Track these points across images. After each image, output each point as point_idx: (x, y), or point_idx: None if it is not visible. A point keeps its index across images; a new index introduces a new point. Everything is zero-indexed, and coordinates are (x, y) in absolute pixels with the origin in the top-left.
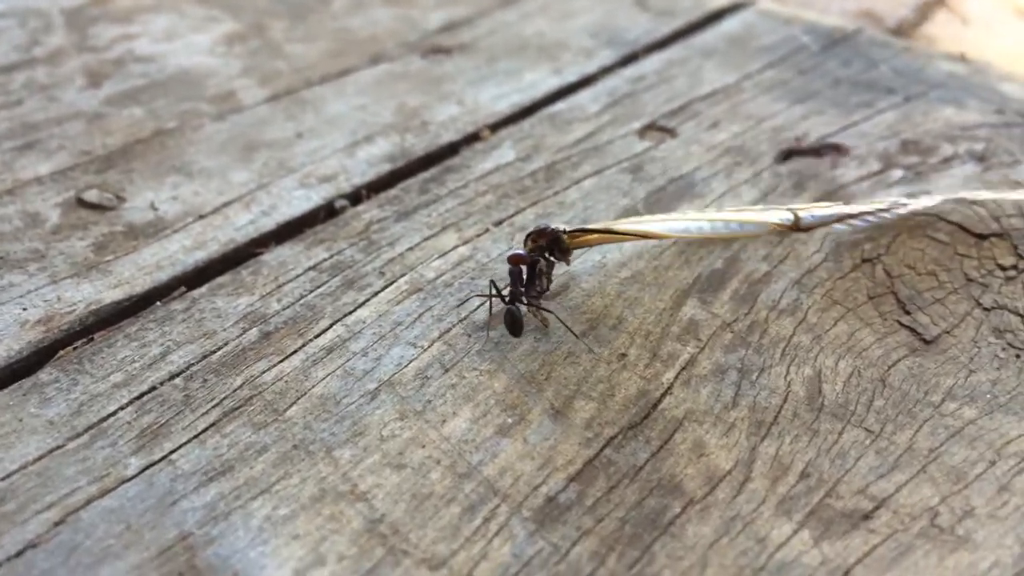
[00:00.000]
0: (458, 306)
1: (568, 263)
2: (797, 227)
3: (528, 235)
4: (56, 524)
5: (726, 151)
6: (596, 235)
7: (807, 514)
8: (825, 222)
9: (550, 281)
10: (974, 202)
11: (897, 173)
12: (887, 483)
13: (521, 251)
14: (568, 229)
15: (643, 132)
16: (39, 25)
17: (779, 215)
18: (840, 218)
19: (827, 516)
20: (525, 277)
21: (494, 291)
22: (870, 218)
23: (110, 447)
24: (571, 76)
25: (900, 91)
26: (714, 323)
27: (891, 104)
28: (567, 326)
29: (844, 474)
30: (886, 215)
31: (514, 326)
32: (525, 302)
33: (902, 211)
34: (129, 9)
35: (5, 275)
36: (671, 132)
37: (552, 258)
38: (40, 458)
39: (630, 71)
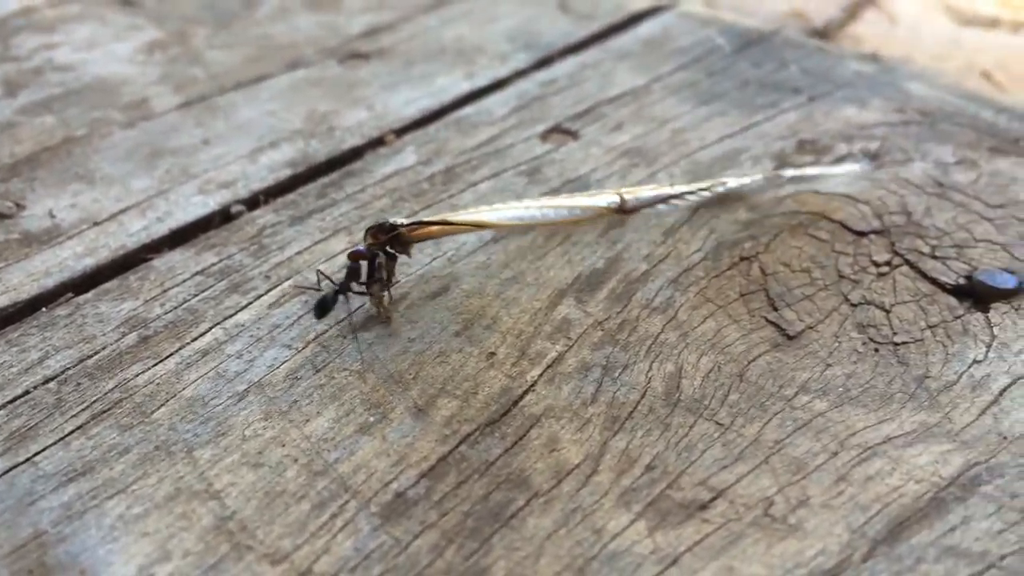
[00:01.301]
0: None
1: (409, 255)
2: (623, 209)
3: (367, 230)
4: None
5: (624, 153)
6: (436, 227)
7: (646, 505)
8: (649, 203)
9: (392, 274)
10: (851, 196)
11: (789, 172)
12: (728, 474)
13: (360, 247)
14: (406, 223)
15: (546, 135)
16: None
17: (607, 198)
18: (663, 199)
19: (665, 507)
20: (365, 272)
21: (322, 279)
22: (691, 197)
23: None
24: (483, 80)
25: (806, 91)
26: (586, 322)
27: (795, 104)
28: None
29: (688, 466)
30: (706, 194)
31: (320, 309)
32: (354, 293)
33: (720, 190)
34: (53, 19)
35: None
36: (573, 135)
37: (392, 251)
38: None
39: (543, 75)
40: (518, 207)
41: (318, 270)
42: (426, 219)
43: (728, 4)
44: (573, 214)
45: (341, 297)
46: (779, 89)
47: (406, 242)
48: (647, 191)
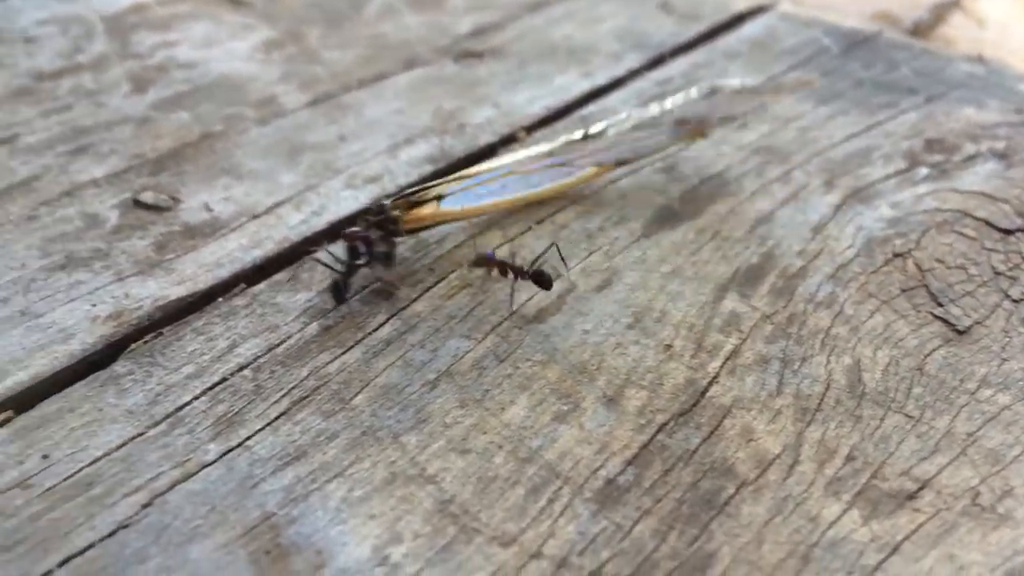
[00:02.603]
0: (506, 300)
1: (402, 234)
2: (587, 136)
3: (359, 213)
4: (144, 506)
5: (756, 151)
6: (428, 212)
7: (855, 495)
8: (611, 124)
9: (390, 253)
10: (989, 195)
11: (923, 171)
12: (929, 465)
13: (356, 229)
14: (391, 201)
15: (675, 127)
16: (81, 32)
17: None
18: (623, 118)
19: (874, 496)
20: (364, 251)
21: (330, 260)
22: (645, 114)
23: (188, 434)
24: (600, 79)
25: (921, 91)
26: (754, 315)
27: (913, 104)
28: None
29: (888, 457)
30: (655, 111)
31: (335, 293)
32: (356, 269)
33: (668, 105)
34: (167, 17)
35: (72, 273)
36: (702, 133)
37: (386, 233)
38: (123, 445)
39: (657, 74)
40: (496, 166)
41: (328, 251)
42: (410, 190)
43: (814, 4)
44: (561, 174)
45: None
46: (895, 89)
47: (396, 221)
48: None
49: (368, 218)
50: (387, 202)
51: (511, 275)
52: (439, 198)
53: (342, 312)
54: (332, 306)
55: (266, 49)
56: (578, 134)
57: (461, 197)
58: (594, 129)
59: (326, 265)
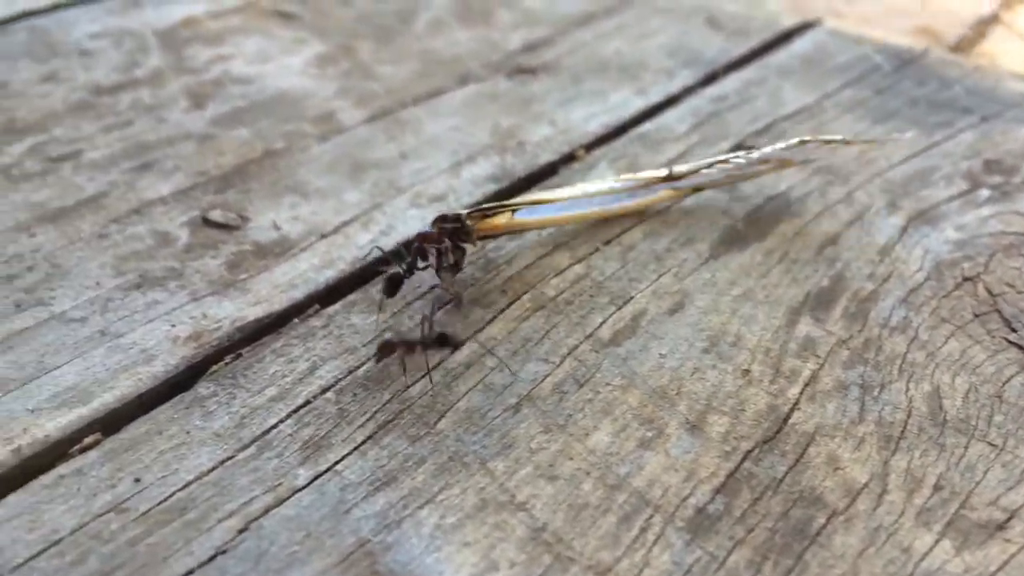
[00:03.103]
0: (579, 322)
1: (474, 244)
2: (671, 176)
3: (435, 219)
4: (240, 531)
5: (816, 171)
6: (502, 221)
7: (945, 525)
8: (696, 169)
9: (458, 261)
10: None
11: (984, 192)
12: (1016, 495)
13: (430, 230)
14: (467, 212)
15: (732, 151)
16: (134, 46)
17: (655, 173)
18: (709, 164)
19: (964, 527)
20: (433, 256)
21: (402, 259)
22: (739, 160)
23: (277, 458)
24: (655, 96)
25: (976, 111)
26: (830, 340)
27: (969, 124)
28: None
29: (974, 487)
30: (742, 160)
31: (390, 285)
32: (415, 270)
33: (756, 155)
34: (219, 31)
35: (148, 292)
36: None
37: (457, 241)
38: (213, 468)
39: (711, 91)
40: (577, 193)
41: (401, 247)
42: (487, 205)
43: (853, 19)
44: (633, 196)
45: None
46: (949, 108)
47: (469, 232)
48: (691, 164)
49: (444, 225)
50: (463, 212)
51: (418, 349)
52: (513, 210)
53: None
54: (382, 298)
55: (320, 64)
56: (662, 171)
57: (534, 210)
58: (680, 169)
59: (389, 259)
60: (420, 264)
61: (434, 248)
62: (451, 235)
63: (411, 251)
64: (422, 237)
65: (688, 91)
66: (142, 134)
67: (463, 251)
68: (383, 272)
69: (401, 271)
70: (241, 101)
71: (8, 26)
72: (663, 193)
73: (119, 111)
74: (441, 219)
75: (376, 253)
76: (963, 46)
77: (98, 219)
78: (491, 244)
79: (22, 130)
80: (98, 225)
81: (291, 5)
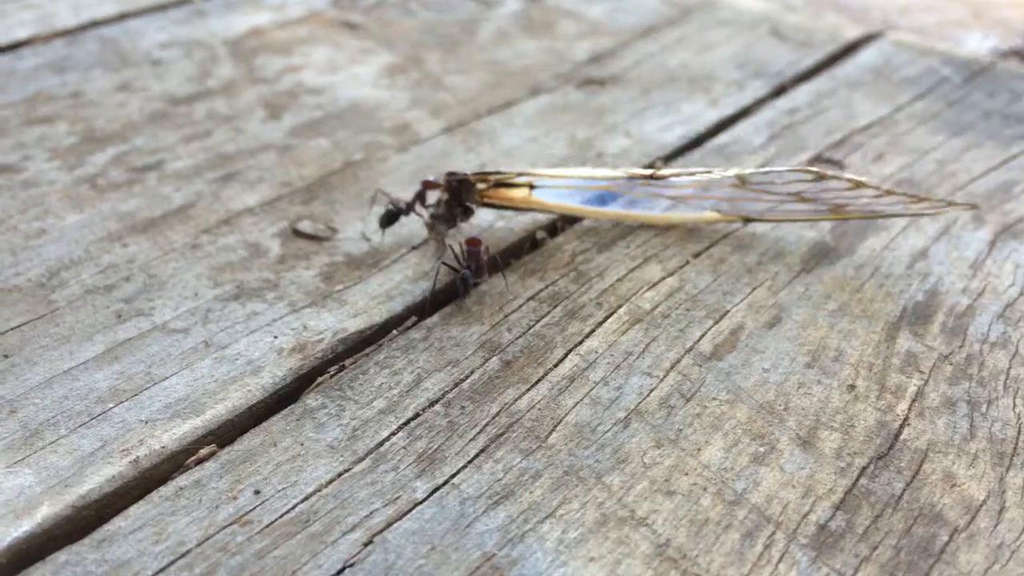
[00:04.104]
0: (678, 336)
1: (475, 204)
2: (655, 176)
3: (446, 174)
4: (365, 544)
5: (897, 184)
6: (518, 196)
7: None
8: (678, 173)
9: (454, 214)
10: None
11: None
12: None
13: (434, 179)
14: (474, 173)
15: (812, 164)
16: (205, 56)
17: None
18: (691, 173)
19: None
20: (432, 203)
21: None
22: (726, 175)
23: (393, 471)
24: (727, 108)
25: None
26: (931, 355)
27: None
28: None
29: None
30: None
31: (385, 219)
32: (411, 211)
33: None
34: (285, 41)
35: (246, 303)
36: (839, 164)
37: (459, 196)
38: (331, 481)
39: (782, 103)
40: (583, 172)
41: (381, 190)
42: (498, 171)
43: (908, 31)
44: (674, 208)
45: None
46: (1023, 121)
47: (471, 190)
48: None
49: (450, 178)
50: (471, 173)
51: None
52: (531, 187)
53: (519, 346)
54: (378, 228)
55: (389, 74)
56: (647, 170)
57: (555, 193)
58: (663, 172)
59: (393, 202)
60: (419, 208)
61: (434, 194)
62: (454, 188)
63: (414, 193)
64: (426, 183)
65: (759, 103)
66: (222, 144)
67: (464, 208)
68: (476, 285)
69: (400, 209)
70: (316, 112)
71: (77, 36)
72: (710, 215)
73: (196, 121)
74: (450, 173)
75: (380, 196)
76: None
77: (188, 229)
78: (580, 256)
79: (102, 139)
80: (189, 236)
81: (355, 15)
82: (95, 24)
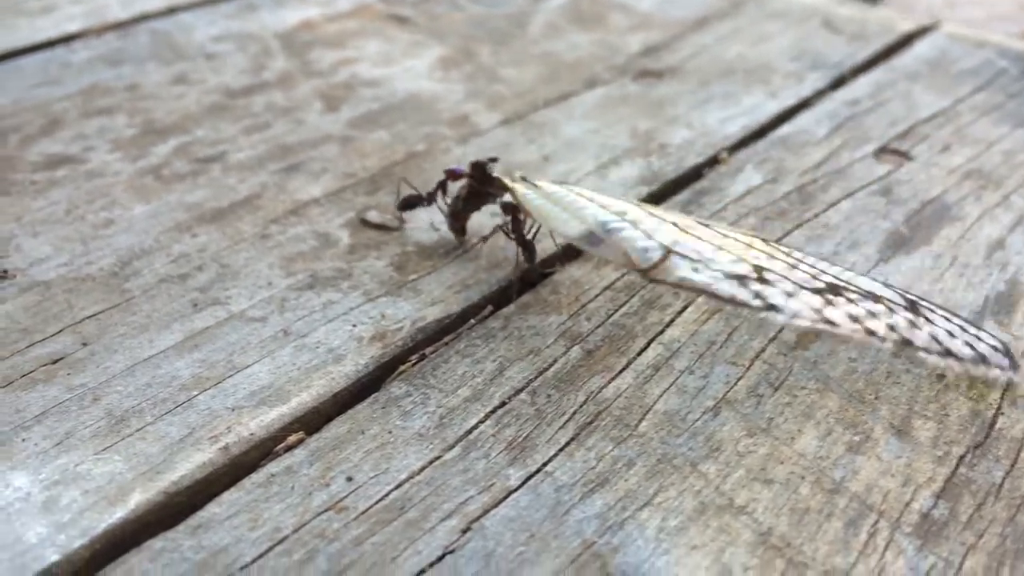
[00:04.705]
0: (760, 325)
1: (493, 201)
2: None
3: (471, 163)
4: (463, 531)
5: (967, 175)
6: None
7: None
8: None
9: (466, 208)
10: None
11: None
12: None
13: (457, 168)
14: (496, 171)
15: (878, 155)
16: (258, 49)
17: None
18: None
19: None
20: (459, 194)
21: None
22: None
23: (484, 459)
24: (787, 99)
25: None
26: (1019, 344)
27: None
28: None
29: None
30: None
31: (404, 204)
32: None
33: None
34: (337, 34)
35: (321, 292)
36: (905, 155)
37: (481, 190)
38: (423, 468)
39: (841, 94)
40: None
41: (403, 179)
42: (522, 177)
43: (957, 24)
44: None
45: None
46: None
47: (491, 182)
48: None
49: (474, 171)
50: (495, 168)
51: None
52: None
53: (600, 335)
54: (399, 206)
55: (443, 67)
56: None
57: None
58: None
59: (415, 189)
60: (440, 198)
61: (451, 180)
62: (477, 181)
63: (437, 183)
64: (450, 172)
65: (819, 94)
66: (282, 136)
67: (484, 199)
68: (546, 273)
69: (422, 195)
70: (374, 104)
71: (128, 29)
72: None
73: (255, 113)
74: (475, 164)
75: (403, 185)
76: None
77: (256, 220)
78: None
79: (163, 131)
80: (258, 226)
81: (403, 8)
82: (145, 17)
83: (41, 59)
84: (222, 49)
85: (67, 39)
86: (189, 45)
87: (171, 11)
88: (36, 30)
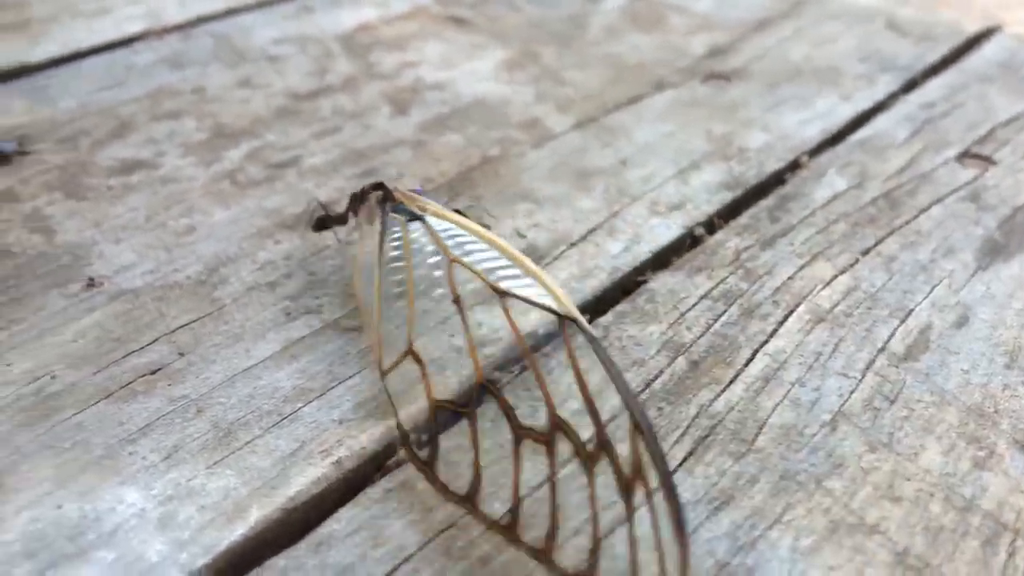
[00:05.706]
0: (866, 336)
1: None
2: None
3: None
4: (590, 551)
5: None
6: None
7: None
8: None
9: (344, 216)
10: None
11: None
12: None
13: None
14: (394, 189)
15: (961, 160)
16: (320, 52)
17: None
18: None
19: None
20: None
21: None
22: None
23: (602, 474)
24: (862, 102)
25: None
26: None
27: None
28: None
29: None
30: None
31: (316, 224)
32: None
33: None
34: (396, 36)
35: (414, 301)
36: (989, 160)
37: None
38: (542, 484)
39: (915, 97)
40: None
41: (316, 199)
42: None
43: (1015, 25)
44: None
45: None
46: None
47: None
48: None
49: (370, 190)
50: (396, 187)
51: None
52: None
53: (703, 346)
54: (309, 225)
55: (507, 69)
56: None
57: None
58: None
59: (325, 208)
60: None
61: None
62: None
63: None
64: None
65: (892, 97)
66: (354, 140)
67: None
68: (643, 283)
69: (332, 216)
70: (442, 107)
71: (188, 31)
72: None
73: (324, 117)
74: (376, 186)
75: (314, 203)
76: None
77: (339, 227)
78: (744, 253)
79: (233, 135)
80: (341, 232)
81: (460, 10)
82: (203, 19)
83: (104, 61)
84: (283, 52)
85: (127, 41)
86: (250, 48)
87: (229, 13)
88: (94, 32)
